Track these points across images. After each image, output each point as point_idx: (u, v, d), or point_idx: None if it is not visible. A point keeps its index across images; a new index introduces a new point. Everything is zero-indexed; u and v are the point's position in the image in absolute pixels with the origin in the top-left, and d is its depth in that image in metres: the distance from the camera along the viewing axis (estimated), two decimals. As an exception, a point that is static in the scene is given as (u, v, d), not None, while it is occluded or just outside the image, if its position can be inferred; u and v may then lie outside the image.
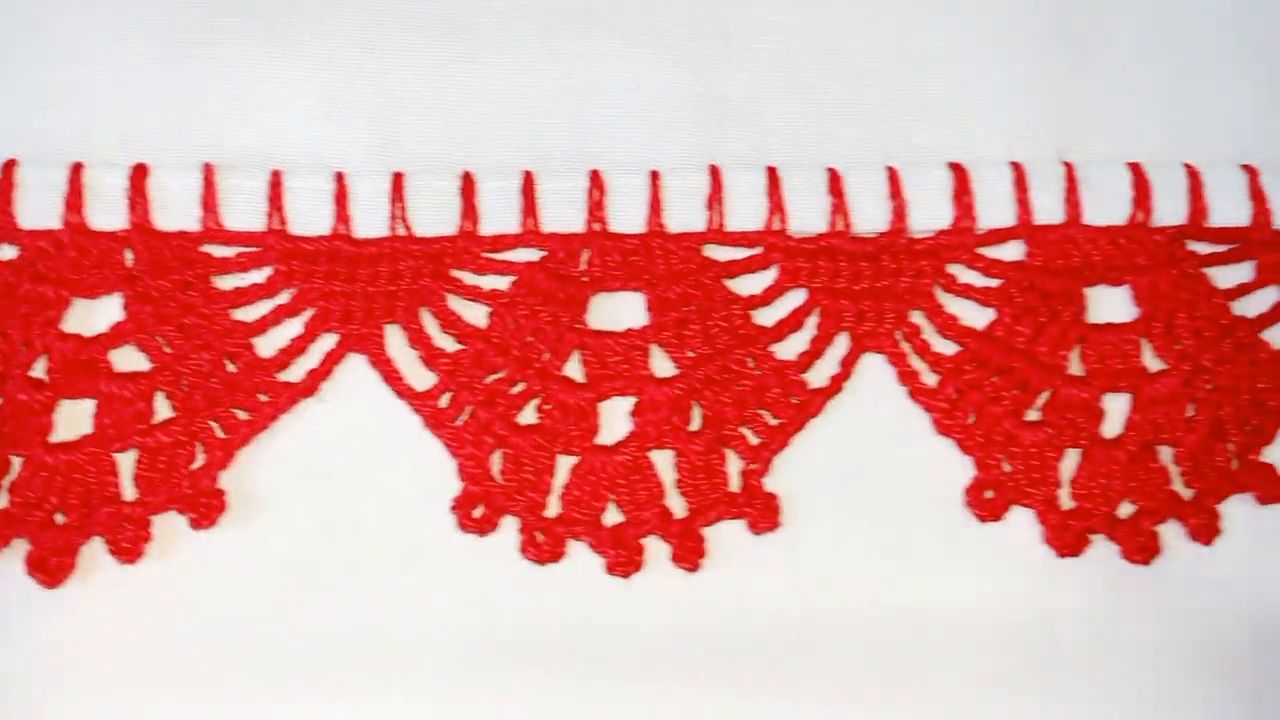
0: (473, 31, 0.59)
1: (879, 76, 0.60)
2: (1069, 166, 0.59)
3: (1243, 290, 0.59)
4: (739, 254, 0.58)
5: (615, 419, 0.57)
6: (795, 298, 0.58)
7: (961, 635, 0.56)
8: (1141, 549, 0.56)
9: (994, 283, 0.59)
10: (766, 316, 0.58)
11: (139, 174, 0.56)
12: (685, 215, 0.58)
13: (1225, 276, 0.59)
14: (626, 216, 0.58)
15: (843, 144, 0.59)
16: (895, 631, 0.56)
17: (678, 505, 0.56)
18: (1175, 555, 0.57)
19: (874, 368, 0.58)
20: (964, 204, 0.58)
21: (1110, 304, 0.59)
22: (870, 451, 0.57)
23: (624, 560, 0.55)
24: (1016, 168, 0.59)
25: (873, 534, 0.56)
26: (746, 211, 0.58)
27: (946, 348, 0.58)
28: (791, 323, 0.58)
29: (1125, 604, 0.56)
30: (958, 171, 0.59)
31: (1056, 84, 0.60)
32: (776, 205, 0.58)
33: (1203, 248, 0.59)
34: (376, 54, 0.58)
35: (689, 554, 0.55)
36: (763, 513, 0.56)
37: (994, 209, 0.59)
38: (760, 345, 0.57)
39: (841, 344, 0.58)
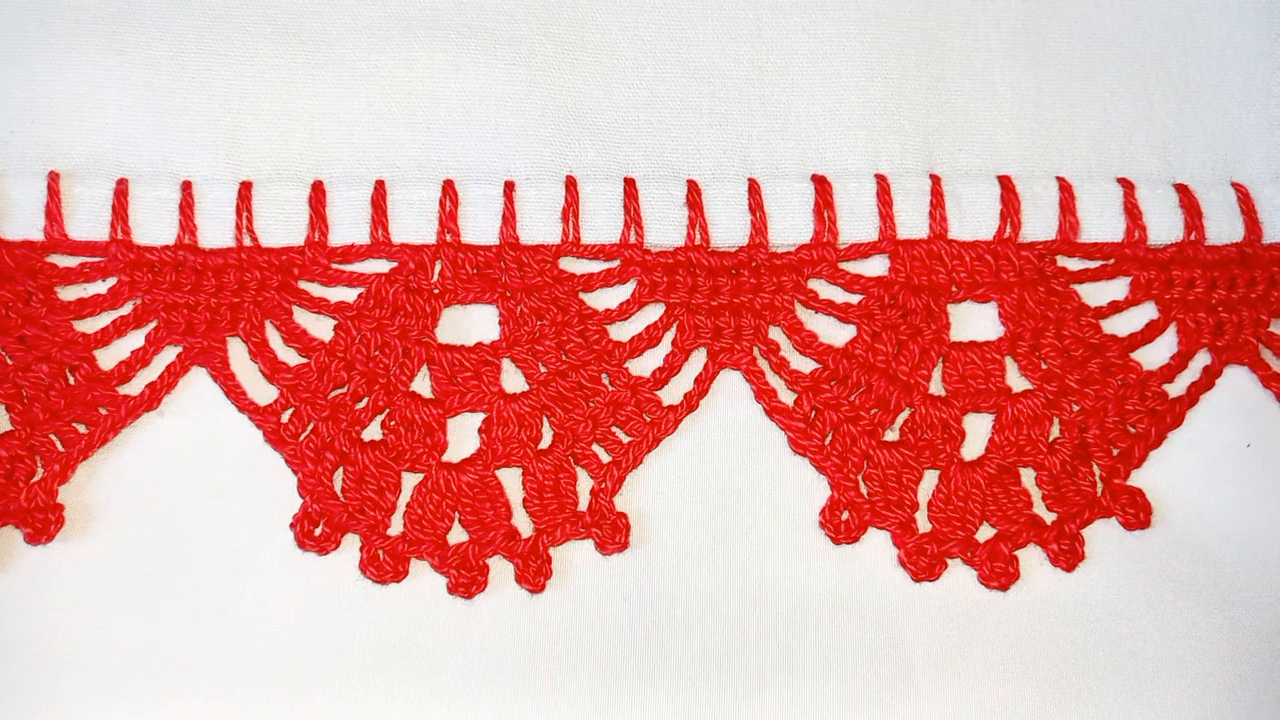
0: (324, 39, 0.58)
1: (741, 88, 0.58)
2: (935, 180, 0.58)
3: (1115, 308, 0.58)
4: (596, 267, 0.57)
5: (464, 435, 0.55)
6: (652, 312, 0.57)
7: (813, 658, 0.55)
8: (999, 574, 0.55)
9: (855, 298, 0.57)
10: (623, 331, 0.57)
11: (-22, 182, 0.55)
12: (540, 227, 0.57)
13: (1097, 294, 0.58)
14: (479, 228, 0.57)
15: (703, 156, 0.58)
16: (746, 654, 0.55)
17: (525, 524, 0.55)
18: (1035, 581, 0.55)
19: (731, 384, 0.57)
20: (826, 218, 0.57)
21: (977, 321, 0.57)
22: (726, 470, 0.56)
23: (466, 580, 0.54)
24: (880, 180, 0.58)
25: (725, 555, 0.55)
26: (603, 224, 0.57)
27: (805, 364, 0.57)
28: (648, 338, 0.56)
29: (979, 629, 0.55)
30: (820, 184, 0.57)
31: (924, 96, 0.58)
32: (634, 218, 0.57)
33: (1074, 264, 0.58)
34: (224, 61, 0.57)
35: (534, 574, 0.54)
36: (611, 533, 0.55)
37: (857, 223, 0.57)
38: (616, 361, 0.56)
39: (698, 360, 0.57)
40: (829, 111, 0.58)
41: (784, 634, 0.55)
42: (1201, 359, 0.57)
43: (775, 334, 0.57)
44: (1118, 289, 0.58)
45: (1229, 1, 0.60)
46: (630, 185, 0.57)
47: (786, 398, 0.56)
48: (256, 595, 0.54)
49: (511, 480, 0.55)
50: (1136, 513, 0.56)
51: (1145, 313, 0.58)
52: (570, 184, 0.57)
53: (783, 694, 0.54)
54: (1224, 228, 0.58)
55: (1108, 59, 0.59)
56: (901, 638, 0.55)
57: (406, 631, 0.54)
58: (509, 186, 0.57)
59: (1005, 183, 0.58)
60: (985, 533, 0.56)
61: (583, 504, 0.55)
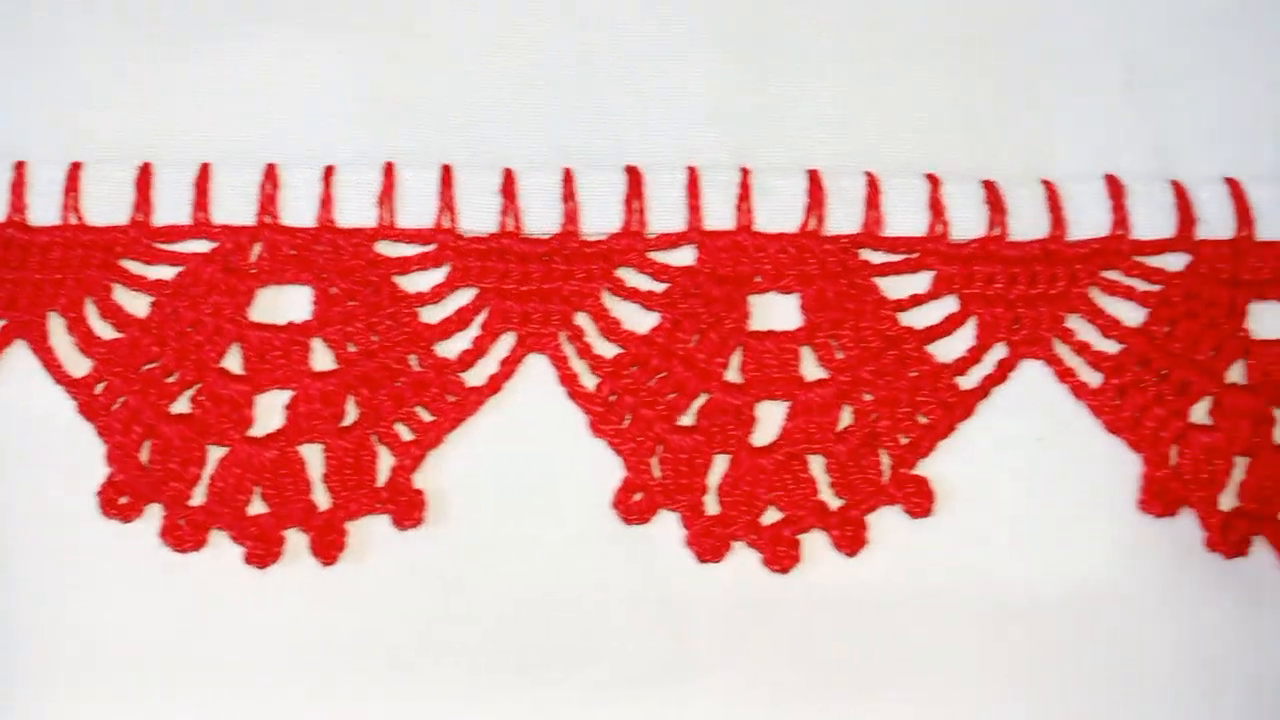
0: (158, 23, 0.60)
1: (558, 77, 0.60)
2: (745, 172, 0.59)
3: (916, 301, 0.59)
4: (410, 251, 0.59)
5: (275, 412, 0.57)
6: (464, 296, 0.58)
7: (601, 639, 0.56)
8: (782, 557, 0.56)
9: (661, 287, 0.58)
10: (435, 314, 0.58)
11: None
12: (356, 211, 0.58)
13: (902, 287, 0.59)
14: (298, 210, 0.58)
15: (519, 144, 0.59)
16: (537, 633, 0.56)
17: (324, 499, 0.57)
18: (819, 566, 0.57)
19: (539, 368, 0.58)
20: (636, 208, 0.58)
21: (781, 311, 0.59)
22: (528, 452, 0.58)
23: (262, 552, 0.56)
24: (690, 172, 0.59)
25: (522, 534, 0.57)
26: (418, 209, 0.59)
27: (609, 350, 0.58)
28: (457, 321, 0.58)
29: (764, 611, 0.56)
30: (631, 174, 0.59)
31: (735, 89, 0.60)
32: (448, 204, 0.58)
33: (880, 258, 0.59)
34: (59, 43, 0.59)
35: (329, 547, 0.56)
36: (407, 509, 0.56)
37: (668, 214, 0.59)
38: (424, 343, 0.58)
39: (506, 344, 0.58)
40: (648, 103, 0.60)
41: (574, 614, 0.56)
42: (999, 353, 0.58)
43: (582, 320, 0.58)
44: (922, 283, 0.59)
45: None
46: (446, 172, 0.59)
47: (590, 382, 0.58)
48: (58, 567, 0.56)
49: (318, 457, 0.57)
50: (921, 501, 0.57)
51: (947, 306, 0.59)
52: (388, 169, 0.59)
53: (570, 674, 0.56)
54: (1029, 224, 0.59)
55: (926, 55, 0.60)
56: (687, 621, 0.56)
57: (202, 601, 0.56)
58: (328, 171, 0.59)
59: (812, 176, 0.59)
60: (773, 517, 0.57)
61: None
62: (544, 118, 0.60)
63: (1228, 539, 0.57)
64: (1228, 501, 0.58)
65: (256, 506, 0.57)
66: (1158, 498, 0.57)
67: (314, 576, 0.56)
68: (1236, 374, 0.58)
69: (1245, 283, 0.58)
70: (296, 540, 0.57)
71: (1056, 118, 0.60)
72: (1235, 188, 0.59)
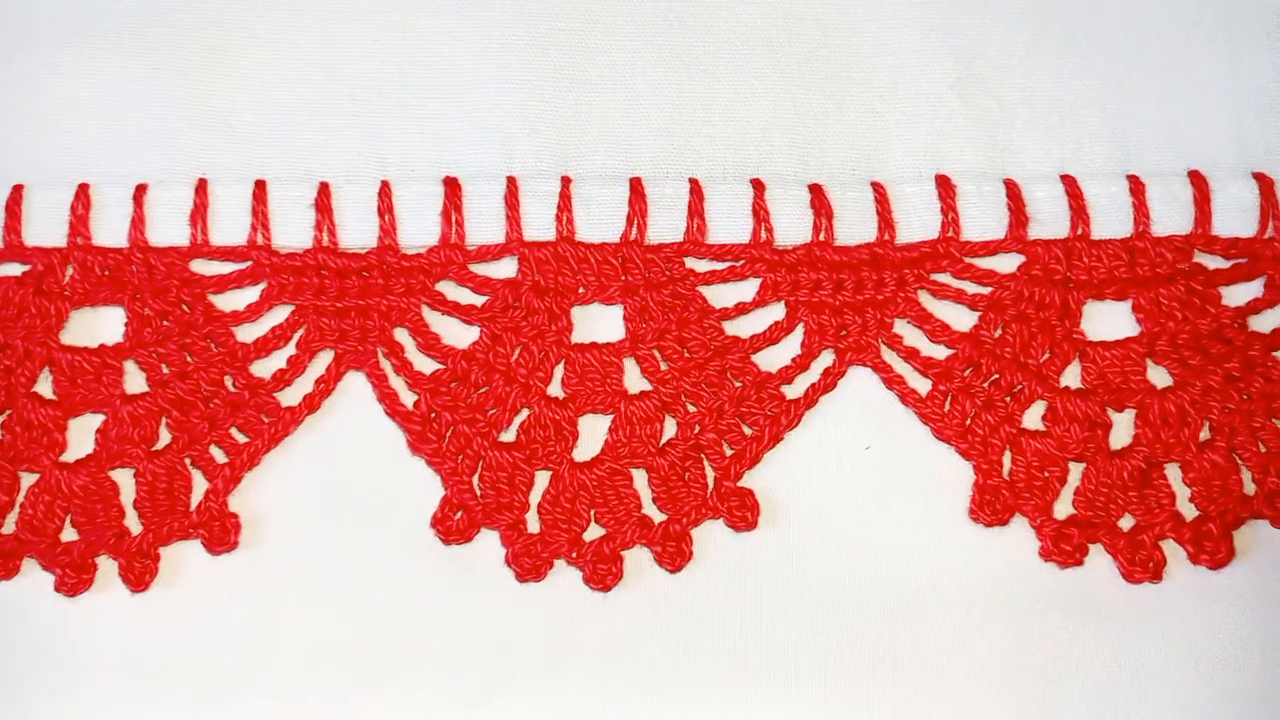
0: None
1: (382, 90, 0.58)
2: (565, 181, 0.58)
3: (741, 310, 0.57)
4: (226, 269, 0.58)
5: (85, 436, 0.56)
6: (280, 314, 0.57)
7: (420, 657, 0.55)
8: (603, 575, 0.55)
9: (481, 300, 0.57)
10: (250, 333, 0.57)
11: None
12: (169, 229, 0.57)
13: (726, 295, 0.58)
14: (110, 230, 0.57)
15: (339, 157, 0.58)
16: (355, 653, 0.55)
17: (135, 523, 0.56)
18: (642, 581, 0.55)
19: (358, 386, 0.57)
20: (454, 220, 0.57)
21: (604, 323, 0.57)
22: (347, 471, 0.57)
23: (73, 579, 0.55)
24: (510, 182, 0.58)
25: (341, 555, 0.56)
26: (232, 226, 0.57)
27: (429, 366, 0.57)
28: (274, 339, 0.57)
29: (583, 630, 0.55)
30: (450, 186, 0.58)
31: (562, 98, 0.58)
32: (261, 219, 0.57)
33: (702, 265, 0.58)
34: None
35: (139, 573, 0.55)
36: (220, 533, 0.55)
37: (487, 225, 0.58)
38: (240, 363, 0.57)
39: (324, 361, 0.57)
40: (466, 114, 0.58)
41: (395, 636, 0.55)
42: (826, 360, 0.57)
43: (402, 336, 0.57)
44: (749, 290, 0.58)
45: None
46: (259, 187, 0.57)
47: (410, 399, 0.57)
48: None
49: (125, 481, 0.56)
50: (744, 514, 0.55)
51: (775, 314, 0.57)
52: (200, 186, 0.57)
53: (386, 693, 0.55)
54: (856, 228, 0.57)
55: (754, 58, 0.59)
56: (508, 637, 0.55)
57: (12, 630, 0.55)
58: (140, 190, 0.57)
59: (634, 185, 0.58)
60: (597, 533, 0.56)
61: (209, 505, 0.56)
62: (360, 129, 0.58)
63: (1061, 548, 0.55)
64: (1062, 509, 0.56)
65: (68, 533, 0.55)
66: (988, 506, 0.56)
67: (126, 603, 0.55)
68: (1071, 377, 0.57)
69: (1079, 283, 0.57)
70: (108, 567, 0.55)
71: (886, 119, 0.59)
72: (1070, 185, 0.58)
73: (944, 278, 0.57)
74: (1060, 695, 0.55)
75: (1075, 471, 0.56)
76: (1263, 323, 0.57)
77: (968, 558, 0.56)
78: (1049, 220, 0.57)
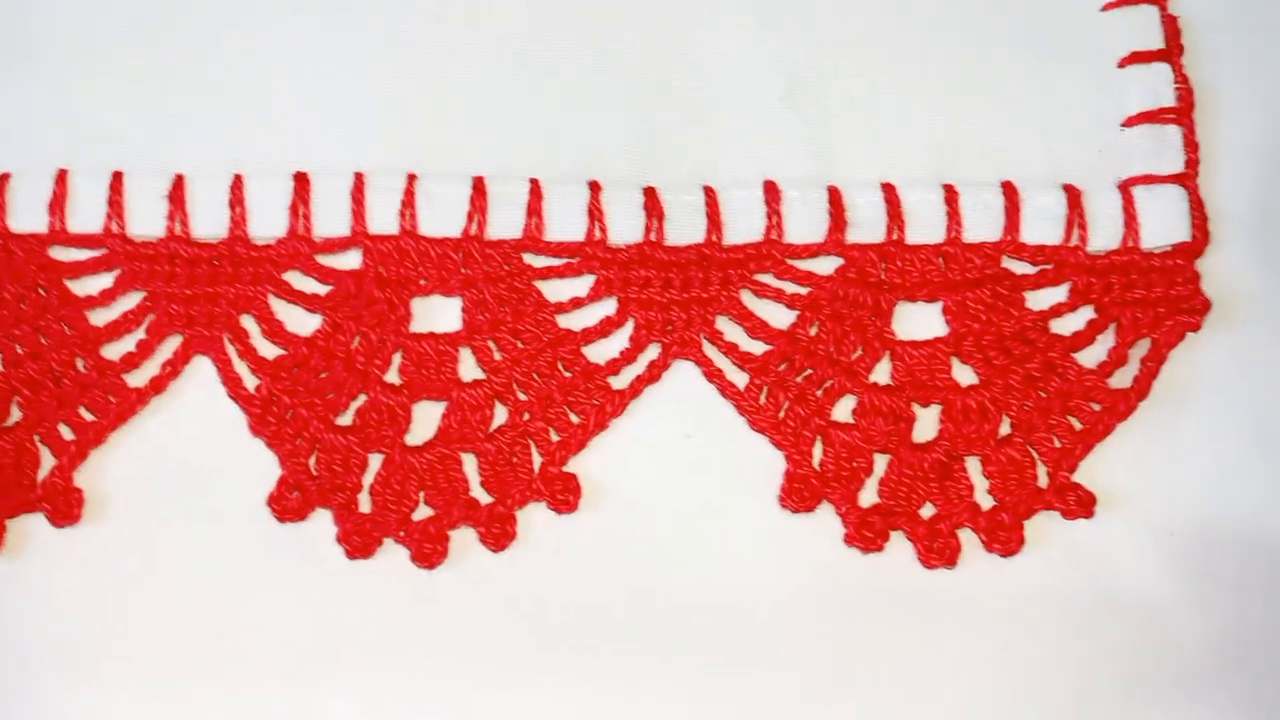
0: None
1: (227, 83, 0.61)
2: (410, 178, 0.60)
3: (576, 304, 0.60)
4: (82, 255, 0.60)
5: (-58, 413, 0.59)
6: (133, 300, 0.60)
7: (253, 635, 0.57)
8: (429, 554, 0.58)
9: (324, 289, 0.60)
10: (103, 317, 0.60)
11: None
12: (29, 217, 0.60)
13: (561, 291, 0.60)
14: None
15: (189, 150, 0.61)
16: (198, 628, 0.57)
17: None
18: (469, 561, 0.58)
19: (206, 370, 0.60)
20: (301, 213, 0.60)
21: (443, 314, 0.60)
22: (191, 452, 0.59)
23: (-82, 548, 0.57)
24: (357, 177, 0.60)
25: (183, 533, 0.58)
26: (89, 215, 0.60)
27: (274, 352, 0.59)
28: (125, 324, 0.59)
29: (410, 609, 0.58)
30: (299, 180, 0.60)
31: (404, 96, 0.61)
32: (117, 209, 0.60)
33: (540, 261, 0.60)
34: None
35: None
36: (64, 507, 0.58)
37: (333, 218, 0.60)
38: (92, 346, 0.59)
39: (173, 345, 0.59)
40: (317, 110, 0.61)
41: (232, 611, 0.58)
42: (653, 353, 0.60)
43: (248, 323, 0.60)
44: (583, 286, 0.60)
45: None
46: (116, 178, 0.60)
47: (254, 384, 0.59)
48: None
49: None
50: (566, 497, 0.58)
51: (607, 309, 0.60)
52: (60, 177, 0.60)
53: (226, 670, 0.57)
54: (687, 229, 0.60)
55: (598, 66, 0.62)
56: (337, 616, 0.58)
57: None
58: (2, 180, 0.60)
59: (476, 183, 0.60)
60: (421, 512, 0.58)
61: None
62: (214, 124, 0.61)
63: (863, 534, 0.58)
64: (868, 498, 0.59)
65: (-85, 505, 0.58)
66: (796, 494, 0.58)
67: (-26, 574, 0.57)
68: (882, 374, 0.60)
69: (893, 285, 0.60)
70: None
71: (720, 127, 0.62)
72: (890, 192, 0.61)
73: (766, 278, 0.60)
74: (863, 677, 0.58)
75: (881, 462, 0.59)
76: (1064, 326, 0.60)
77: (778, 543, 0.58)
78: (868, 225, 0.60)
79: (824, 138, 0.62)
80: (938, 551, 0.58)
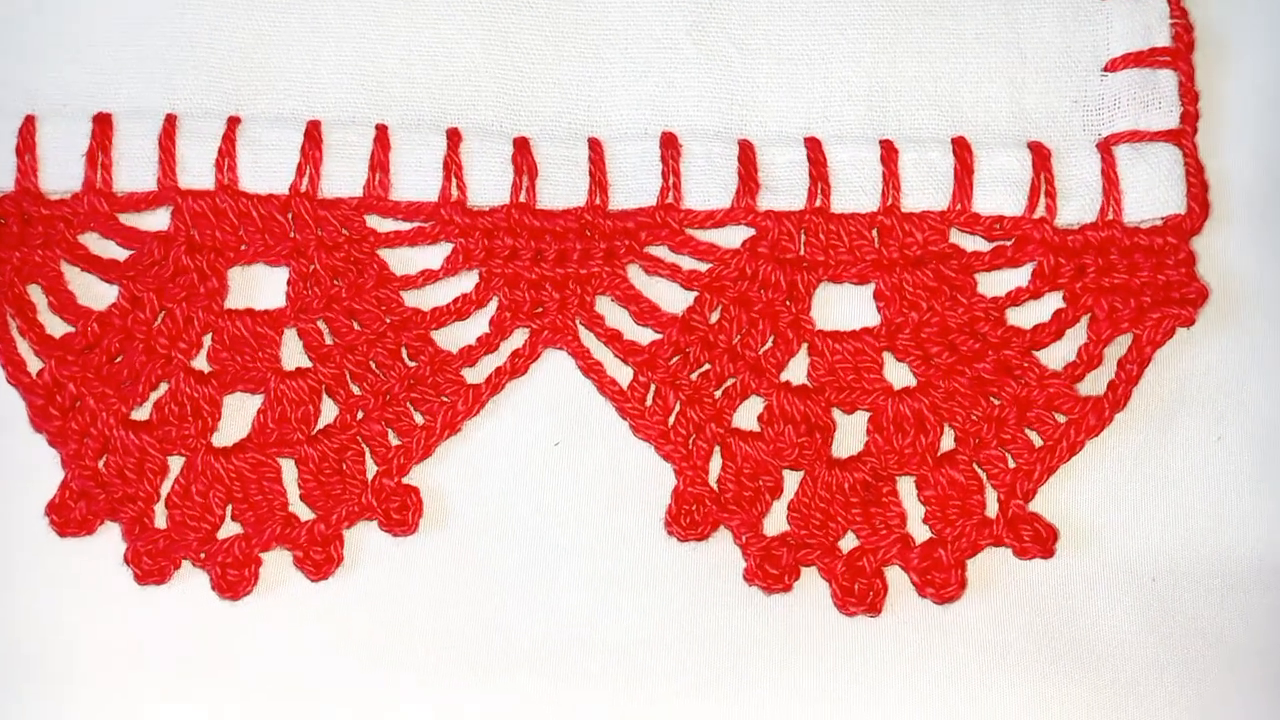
0: None
1: (29, 17, 0.51)
2: (232, 122, 0.50)
3: (429, 278, 0.50)
4: None
5: None
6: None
7: (53, 665, 0.48)
8: (235, 582, 0.48)
9: (124, 254, 0.50)
10: None
11: None
12: None
13: (411, 261, 0.50)
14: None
15: None
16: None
17: None
18: (285, 590, 0.48)
19: (-13, 350, 0.50)
20: (101, 163, 0.49)
21: (269, 287, 0.50)
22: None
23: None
24: (169, 120, 0.50)
25: None
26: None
27: (62, 329, 0.49)
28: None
29: (214, 637, 0.48)
30: (99, 125, 0.50)
31: (228, 29, 0.51)
32: None
33: (385, 225, 0.50)
34: None
35: None
36: None
37: (142, 170, 0.50)
38: None
39: (-54, 321, 0.50)
40: (123, 44, 0.51)
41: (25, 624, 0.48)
42: (518, 340, 0.49)
43: (36, 294, 0.50)
44: (438, 256, 0.50)
45: None
46: None
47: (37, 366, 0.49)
48: None
49: None
50: (404, 515, 0.48)
51: (465, 284, 0.50)
52: None
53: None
54: (564, 190, 0.50)
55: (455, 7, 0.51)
56: (124, 646, 0.48)
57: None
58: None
59: (310, 130, 0.50)
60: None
61: None
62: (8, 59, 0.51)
63: (766, 570, 0.47)
64: (776, 525, 0.48)
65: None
66: (687, 517, 0.48)
67: None
68: (798, 371, 0.49)
69: (814, 263, 0.49)
70: None
71: (611, 65, 0.51)
72: (813, 148, 0.49)
73: (660, 251, 0.49)
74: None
75: (793, 481, 0.48)
76: (1024, 317, 0.49)
77: (662, 578, 0.48)
78: (785, 189, 0.49)
79: (736, 81, 0.50)
80: (858, 595, 0.47)
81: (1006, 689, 0.47)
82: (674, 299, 0.50)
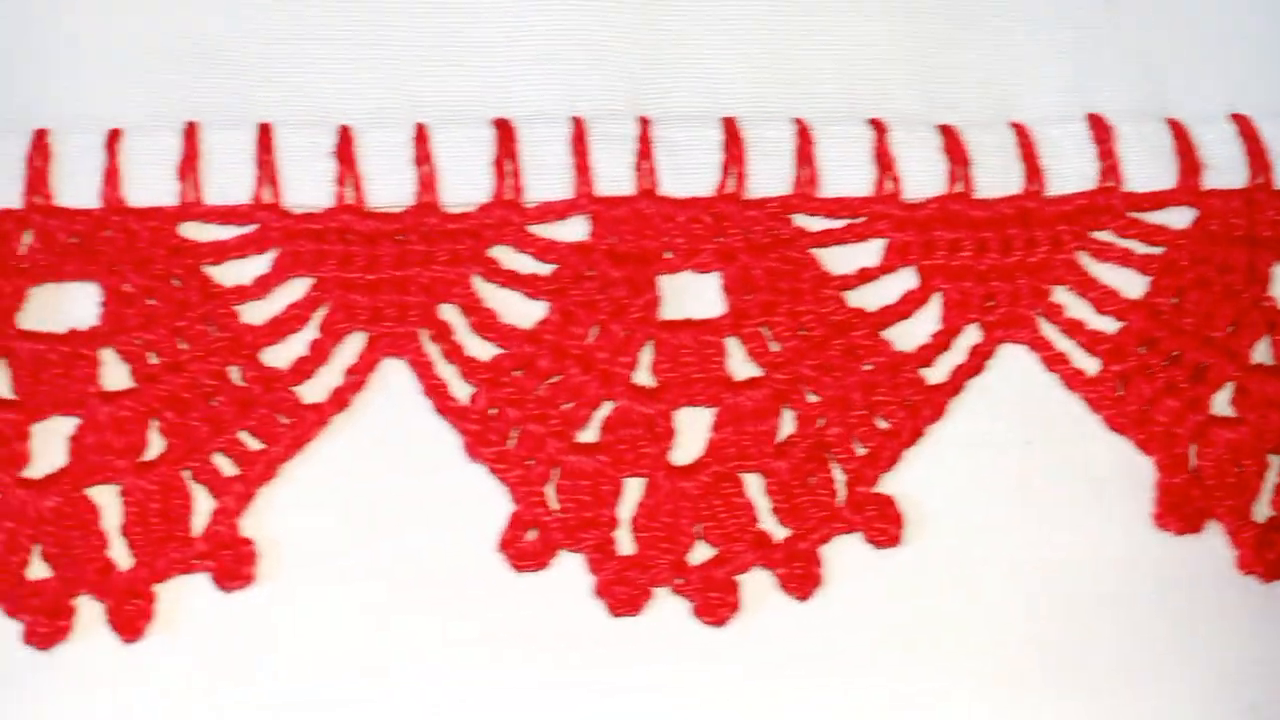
0: None
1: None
2: (644, 123, 0.47)
3: (864, 277, 0.48)
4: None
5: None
6: (299, 289, 0.46)
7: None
8: (715, 606, 0.45)
9: (547, 270, 0.47)
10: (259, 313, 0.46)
11: None
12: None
13: (845, 259, 0.48)
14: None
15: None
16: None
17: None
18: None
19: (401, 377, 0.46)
20: (509, 170, 0.46)
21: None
22: (383, 485, 0.46)
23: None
24: (577, 124, 0.47)
25: (368, 593, 0.45)
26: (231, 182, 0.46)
27: (488, 351, 0.46)
28: (290, 321, 0.46)
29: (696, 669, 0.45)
30: (502, 129, 0.47)
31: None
32: (268, 171, 0.46)
33: (816, 224, 0.48)
34: None
35: None
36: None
37: (550, 177, 0.47)
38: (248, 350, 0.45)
39: (354, 347, 0.46)
40: (522, 50, 0.47)
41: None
42: (972, 337, 0.47)
43: (450, 314, 0.47)
44: (873, 253, 0.48)
45: None
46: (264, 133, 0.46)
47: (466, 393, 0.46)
48: None
49: None
50: (885, 526, 0.46)
51: (905, 281, 0.48)
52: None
53: None
54: (997, 178, 0.48)
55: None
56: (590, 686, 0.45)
57: None
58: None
59: (729, 127, 0.47)
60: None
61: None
62: (381, 63, 0.47)
63: (1264, 557, 0.46)
64: (1262, 511, 0.46)
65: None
66: (1177, 510, 0.46)
67: None
68: (1262, 353, 0.47)
69: (1264, 240, 0.48)
70: None
71: (1024, 48, 0.49)
72: (1245, 126, 0.48)
73: (1106, 236, 0.48)
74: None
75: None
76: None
77: (1154, 570, 0.46)
78: (1221, 167, 0.48)
79: (1154, 59, 0.49)
80: None
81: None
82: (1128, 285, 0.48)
